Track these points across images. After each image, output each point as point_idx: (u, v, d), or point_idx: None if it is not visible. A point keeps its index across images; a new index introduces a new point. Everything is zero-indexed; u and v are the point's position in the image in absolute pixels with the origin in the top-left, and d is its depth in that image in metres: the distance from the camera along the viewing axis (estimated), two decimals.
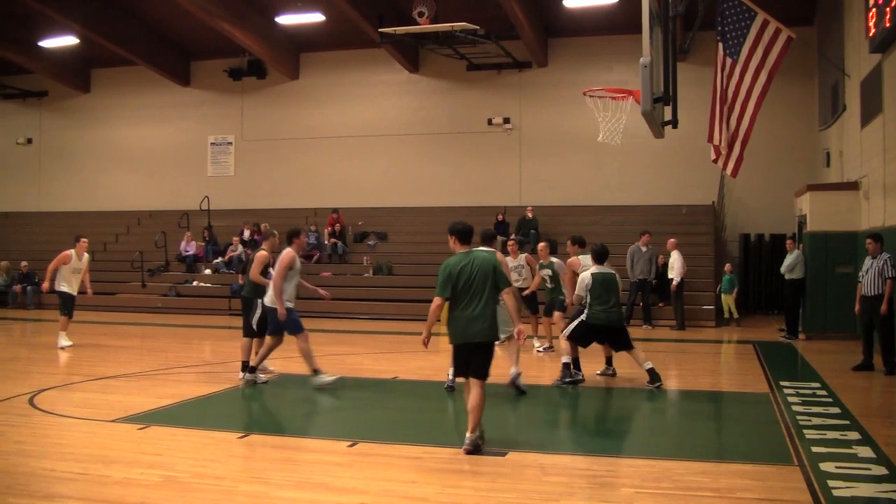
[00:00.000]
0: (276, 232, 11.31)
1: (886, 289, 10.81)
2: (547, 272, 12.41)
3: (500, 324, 8.06)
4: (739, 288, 18.31)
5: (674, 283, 16.95)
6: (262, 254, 10.52)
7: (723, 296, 18.05)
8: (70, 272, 13.45)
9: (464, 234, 6.97)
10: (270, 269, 10.37)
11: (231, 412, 9.04)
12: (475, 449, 6.58)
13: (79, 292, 13.58)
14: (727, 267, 18.36)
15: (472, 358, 6.77)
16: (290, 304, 9.86)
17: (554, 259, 12.41)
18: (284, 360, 12.44)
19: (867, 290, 11.15)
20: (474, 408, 6.64)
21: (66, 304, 13.49)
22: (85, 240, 13.84)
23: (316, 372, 9.84)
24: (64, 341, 13.34)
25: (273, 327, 9.94)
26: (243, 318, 10.63)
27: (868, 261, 11.23)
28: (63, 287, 13.43)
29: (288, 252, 9.89)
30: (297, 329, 9.85)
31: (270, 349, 10.12)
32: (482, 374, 6.76)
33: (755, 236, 21.53)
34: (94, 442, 7.10)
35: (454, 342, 6.87)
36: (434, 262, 21.05)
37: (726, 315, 17.97)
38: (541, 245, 12.75)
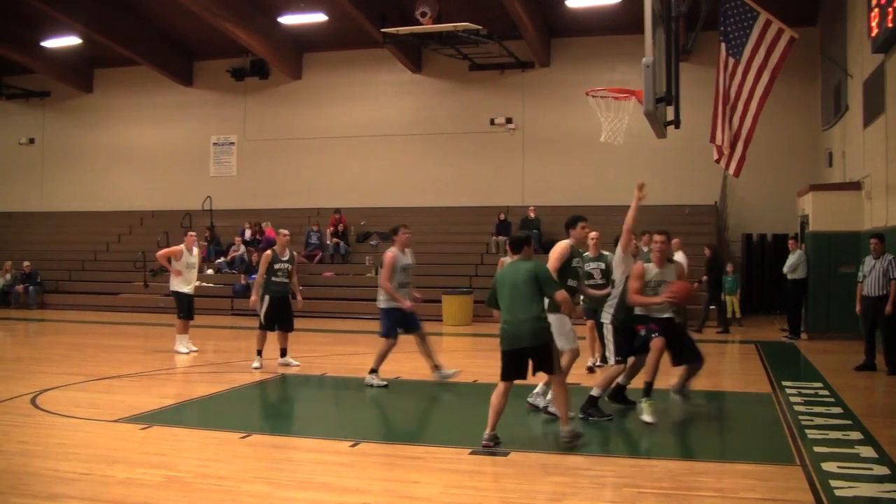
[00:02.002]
0: (285, 231, 11.72)
1: (892, 289, 10.79)
2: (599, 266, 10.36)
3: (560, 337, 7.75)
4: (741, 288, 18.33)
5: None
6: (266, 253, 11.11)
7: (727, 297, 18.04)
8: (184, 268, 12.96)
9: (512, 245, 7.43)
10: (276, 266, 10.96)
11: (233, 412, 9.04)
12: (573, 439, 6.89)
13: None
14: (729, 268, 18.35)
15: (533, 361, 6.96)
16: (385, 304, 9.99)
17: (606, 252, 10.44)
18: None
19: (870, 290, 11.12)
20: (560, 403, 7.04)
21: (182, 306, 12.97)
22: (193, 233, 13.53)
23: (373, 371, 9.95)
24: (181, 347, 12.92)
25: (386, 328, 9.94)
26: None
27: (870, 261, 11.20)
28: (179, 287, 12.93)
29: (390, 252, 10.22)
30: (387, 332, 10.00)
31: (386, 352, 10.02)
32: (550, 369, 6.99)
33: (758, 236, 21.52)
34: (97, 442, 7.12)
35: (502, 349, 7.03)
36: (437, 262, 21.17)
37: (728, 315, 17.96)
38: (593, 234, 10.27)
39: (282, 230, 11.91)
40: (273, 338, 11.45)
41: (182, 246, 13.08)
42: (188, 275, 13.03)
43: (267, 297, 11.19)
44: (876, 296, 11.01)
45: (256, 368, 11.02)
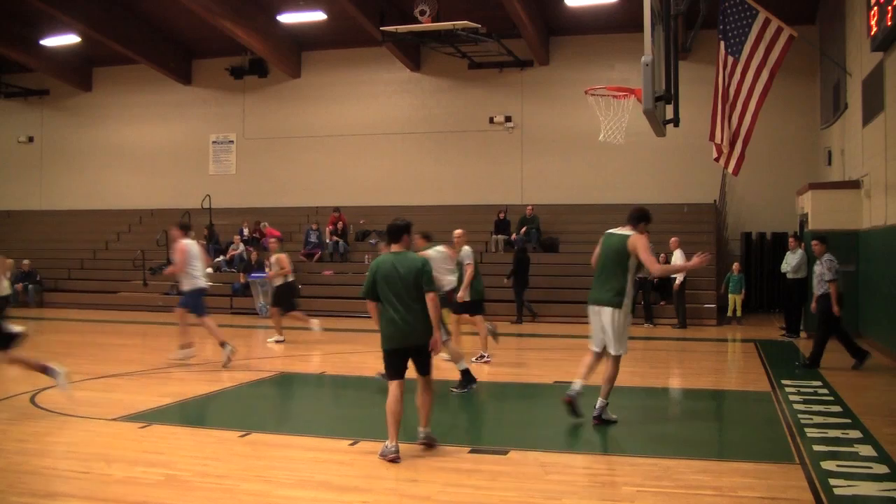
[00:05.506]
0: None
1: (832, 292, 11.22)
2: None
3: None
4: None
5: (677, 282, 16.97)
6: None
7: (730, 295, 18.03)
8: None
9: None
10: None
11: (232, 411, 9.05)
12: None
13: None
14: (735, 267, 18.35)
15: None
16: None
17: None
18: (287, 358, 12.46)
19: (815, 289, 11.66)
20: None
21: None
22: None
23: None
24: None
25: None
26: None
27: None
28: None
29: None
30: None
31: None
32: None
33: (757, 235, 21.52)
34: (96, 440, 7.11)
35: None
36: None
37: (730, 313, 17.96)
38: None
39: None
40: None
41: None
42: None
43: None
44: (820, 294, 11.49)
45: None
